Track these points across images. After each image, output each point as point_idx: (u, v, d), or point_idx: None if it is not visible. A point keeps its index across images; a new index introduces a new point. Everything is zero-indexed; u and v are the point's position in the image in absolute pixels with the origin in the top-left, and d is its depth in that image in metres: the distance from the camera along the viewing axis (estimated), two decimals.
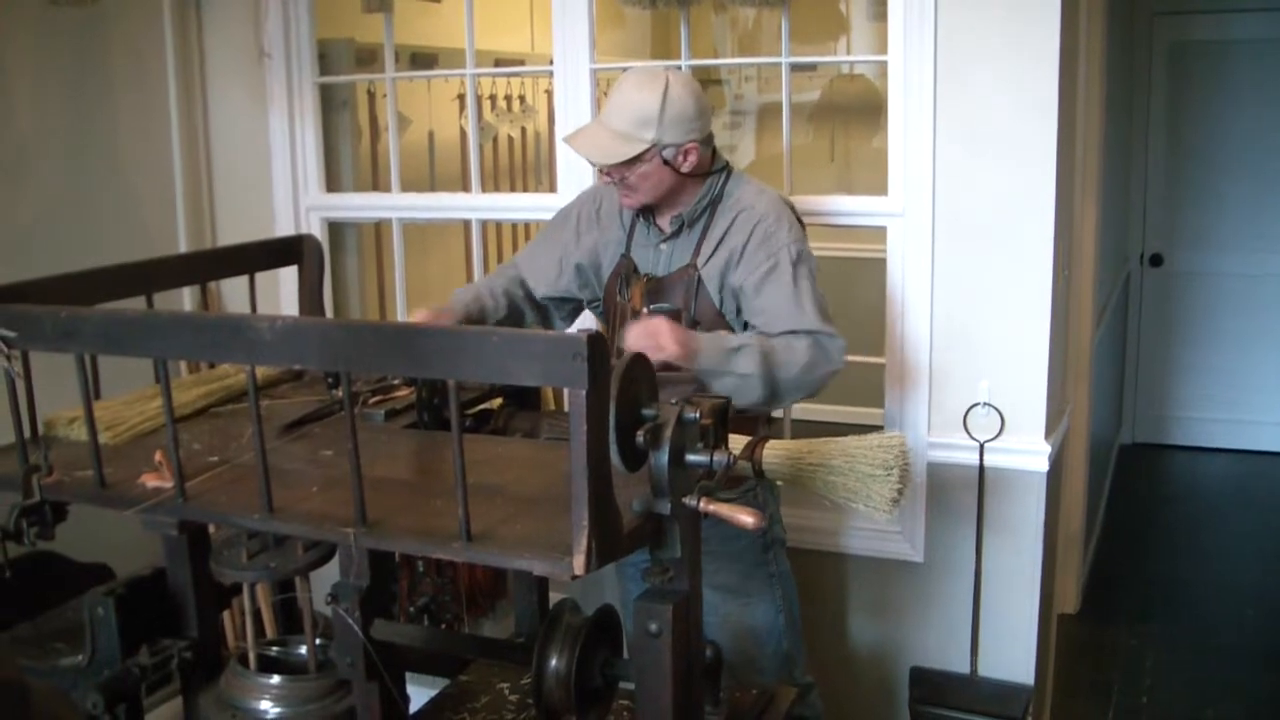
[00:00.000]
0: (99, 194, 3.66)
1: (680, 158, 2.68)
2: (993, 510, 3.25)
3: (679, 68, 3.34)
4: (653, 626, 1.70)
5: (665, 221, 2.81)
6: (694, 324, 2.71)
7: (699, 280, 2.73)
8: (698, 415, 1.69)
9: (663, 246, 2.81)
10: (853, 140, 6.32)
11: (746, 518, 1.70)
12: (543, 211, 3.86)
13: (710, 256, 2.73)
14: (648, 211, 2.82)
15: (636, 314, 2.77)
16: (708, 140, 2.74)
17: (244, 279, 2.64)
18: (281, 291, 3.70)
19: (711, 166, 2.78)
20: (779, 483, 2.63)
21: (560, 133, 3.61)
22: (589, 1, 3.47)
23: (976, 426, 3.19)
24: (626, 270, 2.84)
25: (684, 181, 2.73)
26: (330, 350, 1.70)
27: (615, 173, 2.70)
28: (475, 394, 2.33)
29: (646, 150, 2.64)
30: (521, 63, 5.16)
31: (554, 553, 1.58)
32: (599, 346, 1.48)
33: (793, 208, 2.81)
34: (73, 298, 2.08)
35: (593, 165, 2.75)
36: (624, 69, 5.69)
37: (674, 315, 2.71)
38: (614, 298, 2.86)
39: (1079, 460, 4.69)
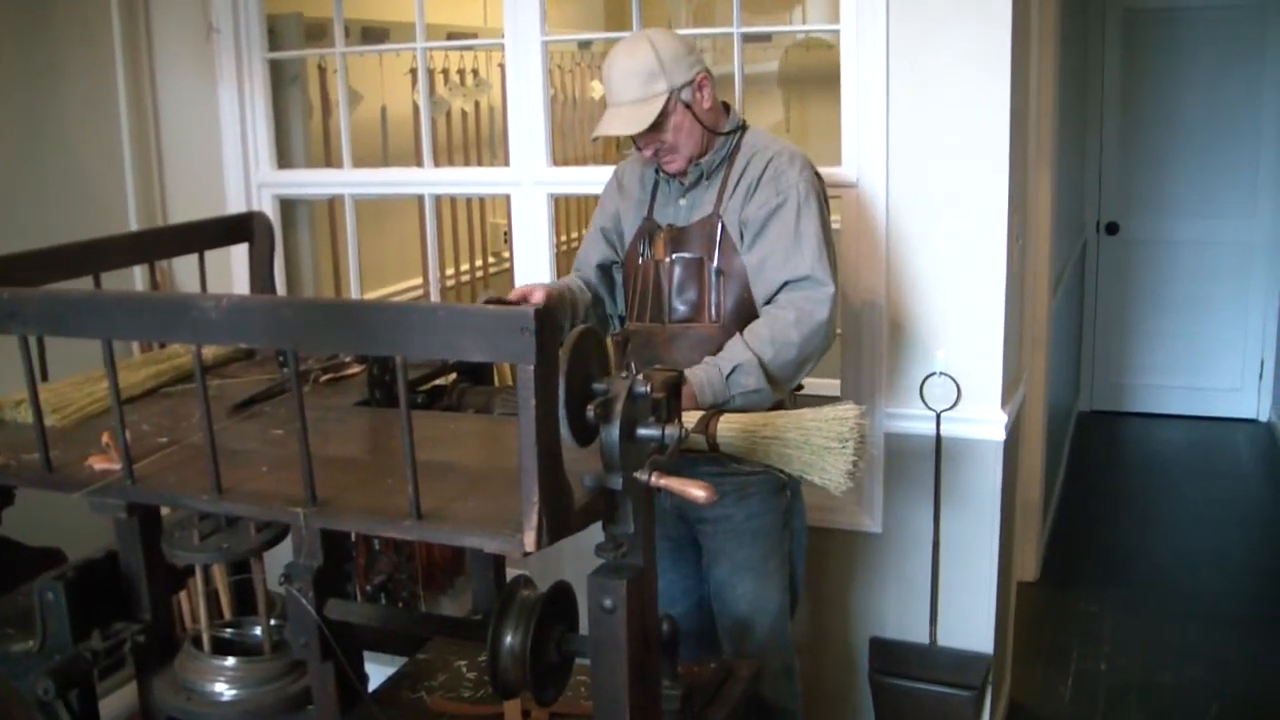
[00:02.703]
0: (47, 173, 3.61)
1: (698, 94, 2.71)
2: (950, 480, 3.26)
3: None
4: (607, 602, 1.70)
5: (686, 175, 2.82)
6: (718, 274, 2.73)
7: (722, 228, 2.74)
8: (649, 389, 1.69)
9: (682, 201, 2.82)
10: (809, 110, 6.31)
11: (698, 491, 1.70)
12: (496, 186, 3.86)
13: (729, 199, 2.75)
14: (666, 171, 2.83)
15: (659, 264, 2.79)
16: (710, 77, 2.76)
17: (196, 257, 2.62)
18: (233, 270, 3.66)
19: (728, 118, 2.82)
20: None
21: (512, 106, 3.59)
22: None
23: (933, 396, 3.20)
24: (650, 229, 2.86)
25: (710, 133, 2.76)
26: (277, 328, 1.68)
27: (652, 140, 2.72)
28: (427, 370, 2.31)
29: (667, 100, 2.67)
30: (474, 36, 5.12)
31: (505, 529, 1.57)
32: (547, 320, 1.47)
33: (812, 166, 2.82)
34: (17, 278, 2.04)
35: (636, 145, 2.78)
36: (576, 41, 5.72)
37: (696, 264, 2.74)
38: (636, 258, 2.89)
39: (1036, 428, 4.72)
